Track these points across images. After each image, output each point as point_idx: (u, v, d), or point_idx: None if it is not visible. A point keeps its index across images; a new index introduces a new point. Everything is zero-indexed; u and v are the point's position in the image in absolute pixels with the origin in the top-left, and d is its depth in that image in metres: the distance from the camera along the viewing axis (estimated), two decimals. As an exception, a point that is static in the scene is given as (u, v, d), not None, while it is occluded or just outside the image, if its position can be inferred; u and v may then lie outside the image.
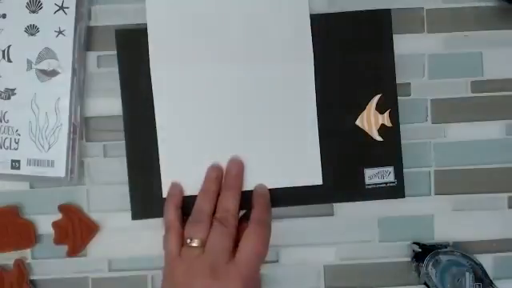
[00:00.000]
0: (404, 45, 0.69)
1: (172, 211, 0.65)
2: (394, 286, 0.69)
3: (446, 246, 0.67)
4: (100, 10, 0.69)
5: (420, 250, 0.67)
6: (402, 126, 0.69)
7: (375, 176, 0.68)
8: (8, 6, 0.65)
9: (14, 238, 0.67)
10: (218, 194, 0.65)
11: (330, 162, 0.68)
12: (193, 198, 0.67)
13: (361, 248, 0.69)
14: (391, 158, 0.68)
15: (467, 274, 0.63)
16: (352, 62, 0.68)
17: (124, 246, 0.69)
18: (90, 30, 0.68)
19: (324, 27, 0.68)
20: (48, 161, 0.65)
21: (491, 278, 0.64)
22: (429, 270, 0.64)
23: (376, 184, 0.68)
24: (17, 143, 0.65)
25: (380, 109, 0.68)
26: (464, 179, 0.69)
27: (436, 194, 0.69)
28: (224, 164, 0.67)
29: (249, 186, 0.68)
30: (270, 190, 0.68)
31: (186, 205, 0.67)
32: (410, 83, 0.69)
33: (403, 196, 0.68)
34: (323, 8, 0.69)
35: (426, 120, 0.69)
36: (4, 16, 0.65)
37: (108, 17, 0.69)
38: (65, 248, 0.68)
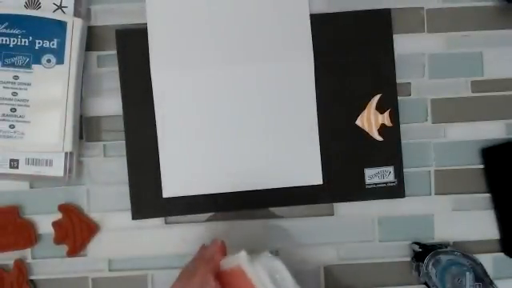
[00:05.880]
0: (404, 44, 0.69)
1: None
2: (394, 285, 0.69)
3: (446, 245, 0.67)
4: (100, 9, 0.69)
5: (420, 250, 0.67)
6: (402, 126, 0.69)
7: (375, 176, 0.68)
8: (6, 6, 0.65)
9: (14, 237, 0.67)
10: None
11: (330, 162, 0.68)
12: (193, 197, 0.67)
13: (361, 248, 0.69)
14: (391, 158, 0.68)
15: (467, 273, 0.63)
16: (352, 62, 0.68)
17: (124, 245, 0.69)
18: (90, 30, 0.68)
19: (324, 27, 0.68)
20: (46, 160, 0.66)
21: (491, 278, 0.64)
22: (429, 269, 0.64)
23: (376, 184, 0.68)
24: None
25: (380, 109, 0.68)
26: (464, 179, 0.69)
27: (436, 194, 0.69)
28: (223, 163, 0.68)
29: (249, 185, 0.68)
30: (270, 190, 0.68)
31: (187, 205, 0.67)
32: (410, 83, 0.69)
33: (403, 196, 0.68)
34: (323, 8, 0.69)
35: (426, 120, 0.69)
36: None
37: (108, 17, 0.69)
38: (65, 248, 0.68)
